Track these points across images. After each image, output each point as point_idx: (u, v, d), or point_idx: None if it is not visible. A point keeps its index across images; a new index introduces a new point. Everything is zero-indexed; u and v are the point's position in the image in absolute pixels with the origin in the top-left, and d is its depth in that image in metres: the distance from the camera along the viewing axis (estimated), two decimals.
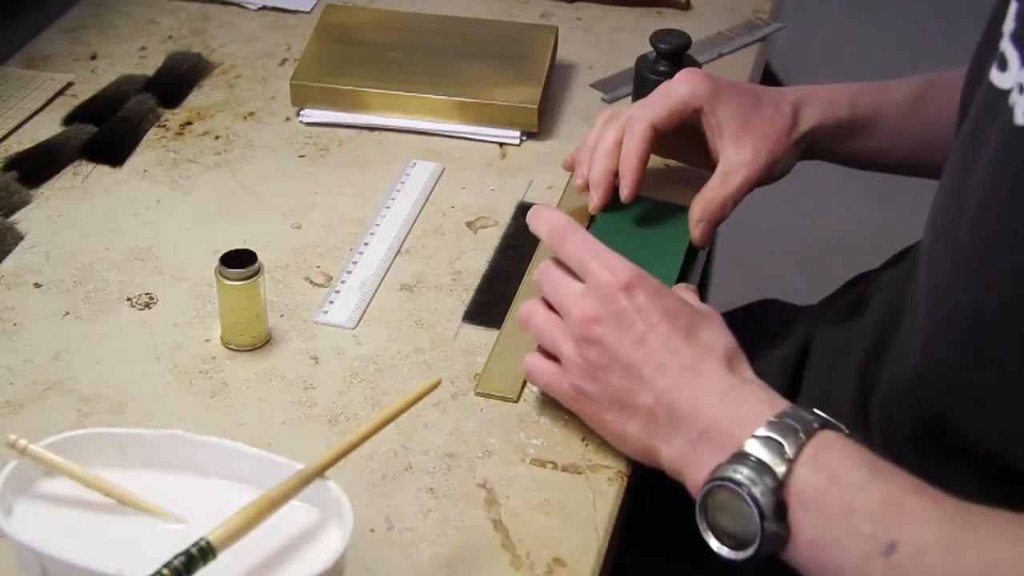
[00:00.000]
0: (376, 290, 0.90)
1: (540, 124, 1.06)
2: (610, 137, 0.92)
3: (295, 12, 1.24)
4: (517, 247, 0.94)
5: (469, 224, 0.97)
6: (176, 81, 1.12)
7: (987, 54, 0.72)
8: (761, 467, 0.65)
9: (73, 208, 0.98)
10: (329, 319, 0.87)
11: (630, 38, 1.21)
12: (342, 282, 0.90)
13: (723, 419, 0.69)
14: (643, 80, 1.04)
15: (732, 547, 0.67)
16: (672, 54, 1.02)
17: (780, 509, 0.64)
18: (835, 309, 0.99)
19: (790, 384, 0.94)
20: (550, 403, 0.81)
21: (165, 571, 0.59)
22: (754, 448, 0.66)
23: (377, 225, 0.96)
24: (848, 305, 0.98)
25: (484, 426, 0.79)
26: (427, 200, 0.99)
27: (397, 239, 0.95)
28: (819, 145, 0.95)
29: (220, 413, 0.80)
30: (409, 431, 0.79)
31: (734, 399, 0.70)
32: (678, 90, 0.91)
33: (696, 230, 0.91)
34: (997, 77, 0.69)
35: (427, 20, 1.17)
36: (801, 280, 2.14)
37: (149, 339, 0.86)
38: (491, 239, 0.95)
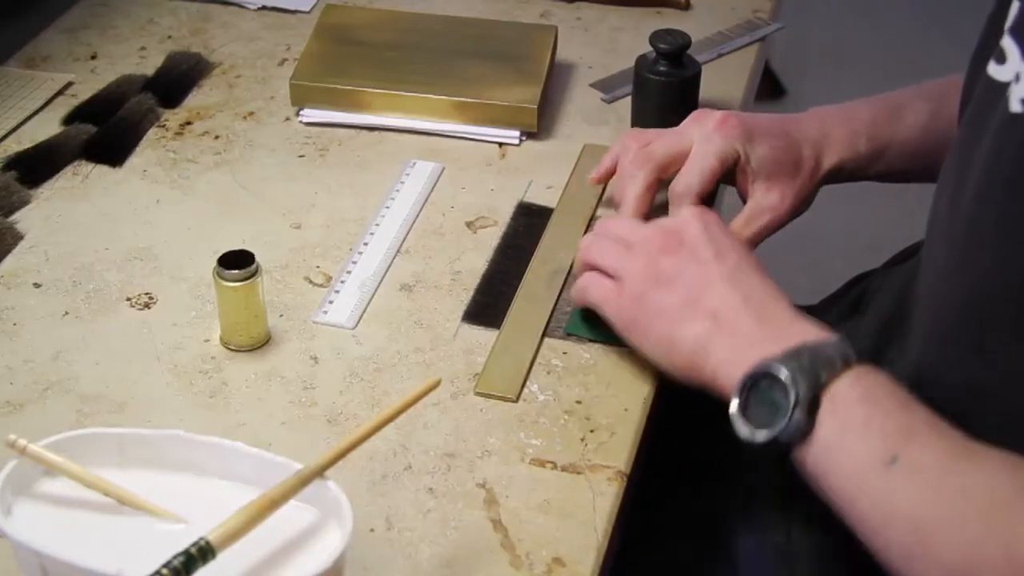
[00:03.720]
0: (376, 290, 0.90)
1: (540, 124, 1.06)
2: (640, 184, 0.91)
3: (295, 12, 1.24)
4: (517, 247, 0.94)
5: (469, 224, 0.97)
6: (176, 81, 1.12)
7: (986, 51, 0.72)
8: (811, 365, 0.68)
9: (73, 208, 0.98)
10: (329, 319, 0.87)
11: (630, 38, 1.21)
12: (341, 282, 0.90)
13: (784, 326, 0.73)
14: (643, 80, 1.04)
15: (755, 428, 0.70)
16: (672, 54, 1.02)
17: (813, 404, 0.68)
18: (837, 308, 1.00)
19: None
20: (550, 403, 0.81)
21: (165, 571, 0.59)
22: (810, 352, 0.69)
23: (377, 225, 0.96)
24: (850, 304, 0.98)
25: (484, 426, 0.79)
26: (427, 200, 0.99)
27: (397, 239, 0.95)
28: (840, 176, 0.96)
29: (220, 413, 0.80)
30: (409, 431, 0.79)
31: (799, 318, 0.74)
32: (712, 148, 0.91)
33: None
34: (995, 70, 0.70)
35: (427, 20, 1.17)
36: (802, 280, 2.14)
37: (149, 339, 0.86)
38: (491, 239, 0.95)
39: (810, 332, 0.72)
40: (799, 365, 0.68)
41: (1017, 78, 0.67)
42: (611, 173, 0.95)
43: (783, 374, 0.69)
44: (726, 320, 0.75)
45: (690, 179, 0.91)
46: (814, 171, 0.93)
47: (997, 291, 0.67)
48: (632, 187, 0.92)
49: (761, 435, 0.69)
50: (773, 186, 0.92)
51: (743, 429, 0.70)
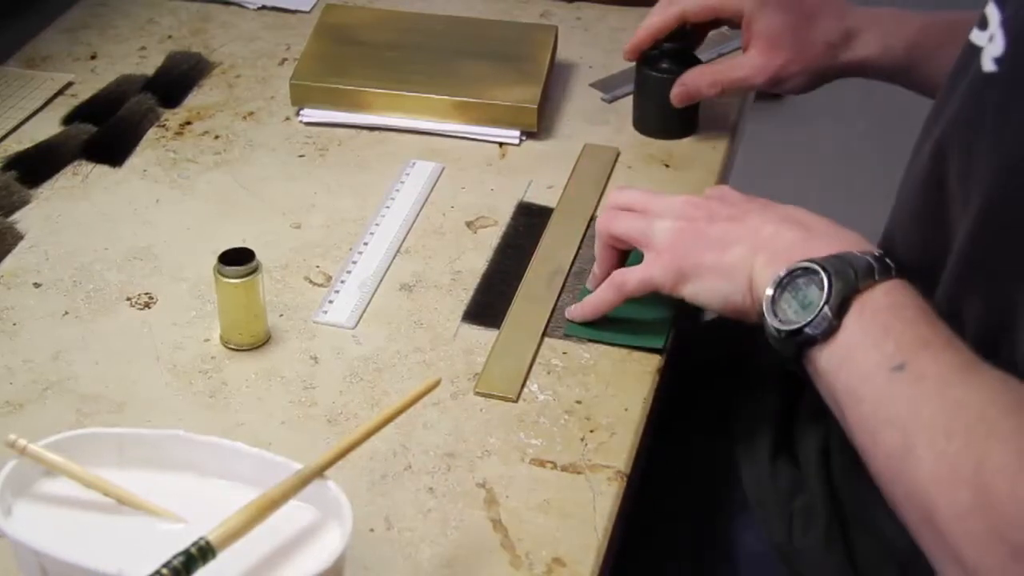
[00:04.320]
0: (376, 290, 0.90)
1: (540, 124, 1.06)
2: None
3: (295, 12, 1.24)
4: (517, 247, 0.94)
5: (469, 224, 0.97)
6: (176, 81, 1.12)
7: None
8: (850, 270, 0.70)
9: (73, 208, 0.98)
10: (329, 319, 0.87)
11: (630, 38, 1.20)
12: (342, 282, 0.90)
13: (830, 234, 0.75)
14: (645, 77, 1.04)
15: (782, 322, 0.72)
16: (674, 51, 1.03)
17: (843, 307, 0.69)
18: None
19: (794, 380, 0.94)
20: (550, 403, 0.81)
21: (164, 571, 0.59)
22: (854, 259, 0.71)
23: (377, 225, 0.96)
24: None
25: (484, 426, 0.79)
26: (427, 200, 0.99)
27: (397, 239, 0.95)
28: (869, 72, 0.99)
29: (220, 413, 0.80)
30: (409, 431, 0.79)
31: (842, 229, 0.76)
32: None
33: (676, 88, 1.02)
34: (975, 35, 0.71)
35: (427, 20, 1.17)
36: None
37: (149, 339, 0.86)
38: (491, 239, 0.95)
39: (853, 243, 0.74)
40: (838, 267, 0.70)
41: (991, 39, 0.68)
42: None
43: (822, 271, 0.70)
44: (768, 233, 0.76)
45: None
46: (820, 57, 0.98)
47: (997, 234, 0.68)
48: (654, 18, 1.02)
49: (788, 327, 0.71)
50: (763, 52, 0.98)
51: (771, 320, 0.72)
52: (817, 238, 0.75)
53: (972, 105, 0.69)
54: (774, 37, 0.98)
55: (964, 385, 0.64)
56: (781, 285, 0.72)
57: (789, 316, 0.71)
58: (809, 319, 0.70)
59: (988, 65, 0.67)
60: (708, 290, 0.79)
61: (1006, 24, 0.67)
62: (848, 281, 0.69)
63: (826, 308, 0.69)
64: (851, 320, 0.69)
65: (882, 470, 0.66)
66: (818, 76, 1.00)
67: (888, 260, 0.71)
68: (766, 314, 0.73)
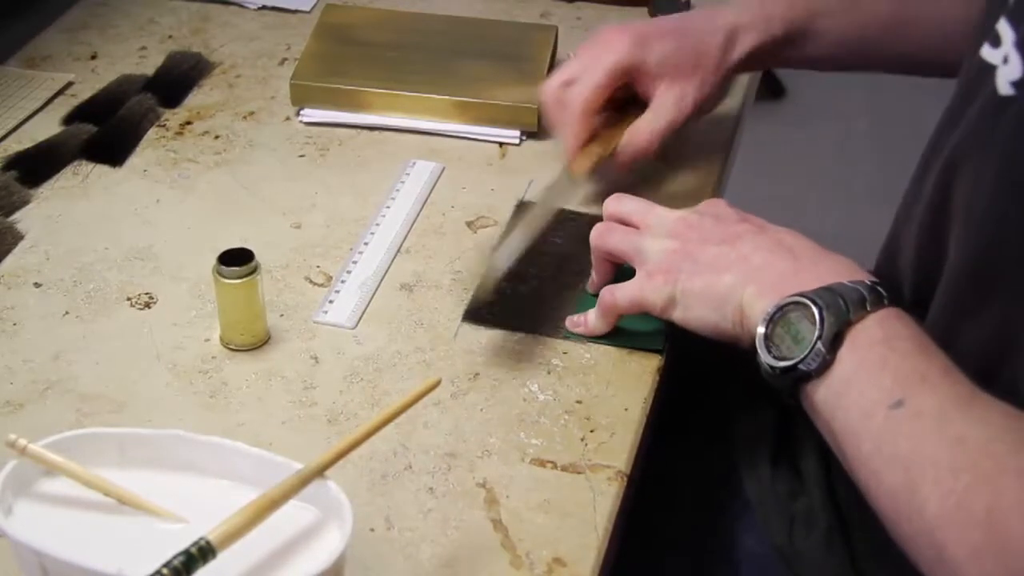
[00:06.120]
0: (376, 290, 0.90)
1: (540, 124, 1.06)
2: (575, 135, 0.95)
3: (295, 12, 1.24)
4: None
5: (469, 224, 0.97)
6: (176, 81, 1.12)
7: (982, 35, 0.72)
8: (841, 302, 0.69)
9: (73, 208, 0.98)
10: (329, 319, 0.87)
11: None
12: (342, 282, 0.90)
13: (821, 261, 0.74)
14: None
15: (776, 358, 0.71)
16: None
17: (837, 340, 0.68)
18: None
19: None
20: (550, 403, 0.81)
21: (165, 571, 0.59)
22: (845, 290, 0.70)
23: (377, 225, 0.96)
24: None
25: (484, 425, 0.79)
26: (427, 200, 0.99)
27: (397, 239, 0.95)
28: (754, 62, 0.98)
29: (220, 413, 0.80)
30: (409, 431, 0.79)
31: (833, 256, 0.75)
32: (605, 60, 0.93)
33: (619, 159, 0.96)
34: (988, 52, 0.71)
35: (427, 20, 1.17)
36: None
37: (149, 339, 0.86)
38: (491, 239, 0.95)
39: (844, 270, 0.73)
40: (829, 300, 0.69)
41: (1005, 60, 0.67)
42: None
43: (813, 306, 0.69)
44: (759, 260, 0.75)
45: (580, 90, 0.93)
46: (720, 63, 0.95)
47: (1000, 257, 0.67)
48: (570, 139, 0.95)
49: (782, 363, 0.70)
50: (674, 84, 0.94)
51: (765, 356, 0.71)
52: (807, 268, 0.74)
53: (986, 126, 0.68)
54: (670, 66, 0.94)
55: (964, 419, 0.63)
56: (772, 321, 0.72)
57: (782, 352, 0.71)
58: (802, 355, 0.69)
59: (1005, 88, 0.67)
60: (697, 318, 0.78)
61: (1021, 46, 0.67)
62: (840, 314, 0.68)
63: (819, 343, 0.68)
64: (845, 353, 0.68)
65: (887, 509, 0.65)
66: (721, 85, 0.97)
67: (880, 288, 0.70)
68: (759, 351, 0.72)
